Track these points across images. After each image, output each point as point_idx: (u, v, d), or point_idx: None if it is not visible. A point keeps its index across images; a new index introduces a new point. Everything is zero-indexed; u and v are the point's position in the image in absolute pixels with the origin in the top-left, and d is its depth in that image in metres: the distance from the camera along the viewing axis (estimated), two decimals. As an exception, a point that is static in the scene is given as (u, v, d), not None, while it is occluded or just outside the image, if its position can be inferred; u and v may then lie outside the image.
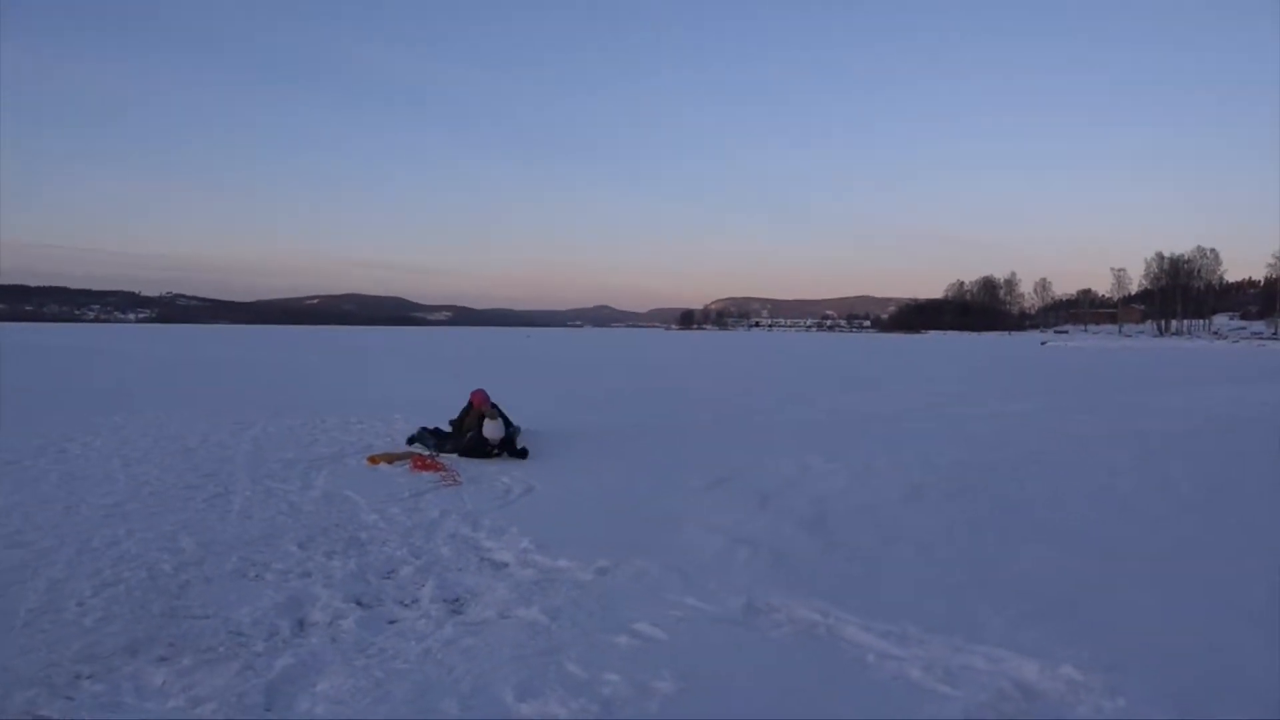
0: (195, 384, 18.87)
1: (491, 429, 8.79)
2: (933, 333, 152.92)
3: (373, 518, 6.23)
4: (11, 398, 14.61)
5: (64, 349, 38.54)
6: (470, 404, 9.39)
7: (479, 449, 8.81)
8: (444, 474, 7.87)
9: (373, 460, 8.53)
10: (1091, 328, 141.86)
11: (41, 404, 13.53)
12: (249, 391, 16.73)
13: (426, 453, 8.87)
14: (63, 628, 4.02)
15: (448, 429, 9.51)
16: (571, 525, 6.00)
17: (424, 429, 9.64)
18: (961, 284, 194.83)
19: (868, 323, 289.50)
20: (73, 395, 15.33)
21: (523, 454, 8.80)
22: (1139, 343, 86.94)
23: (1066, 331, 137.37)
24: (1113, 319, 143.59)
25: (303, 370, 25.10)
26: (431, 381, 20.30)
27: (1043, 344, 79.75)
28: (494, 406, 9.21)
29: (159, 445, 9.46)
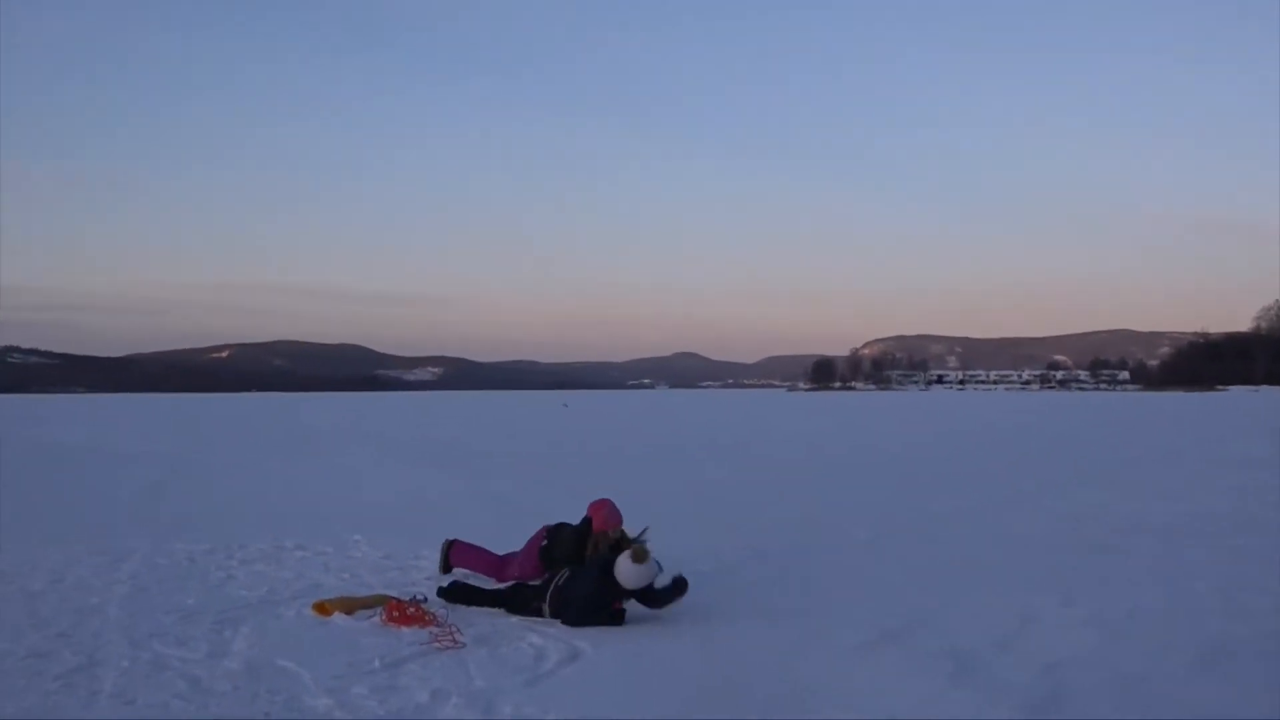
0: (37, 490, 19.32)
1: (636, 572, 8.09)
2: (1237, 388, 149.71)
3: (324, 703, 6.24)
4: None
5: None
6: (586, 522, 9.15)
7: (597, 604, 8.25)
8: (436, 630, 7.89)
9: (322, 609, 8.57)
10: None
11: None
12: (123, 500, 17.10)
13: (412, 598, 8.85)
14: None
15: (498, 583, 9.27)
16: (642, 711, 5.96)
17: (463, 585, 9.08)
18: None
19: (1124, 374, 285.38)
20: None
21: (680, 585, 8.27)
22: None
23: None
24: None
25: (208, 465, 25.53)
26: (414, 481, 20.52)
27: None
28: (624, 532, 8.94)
29: (-14, 589, 9.69)
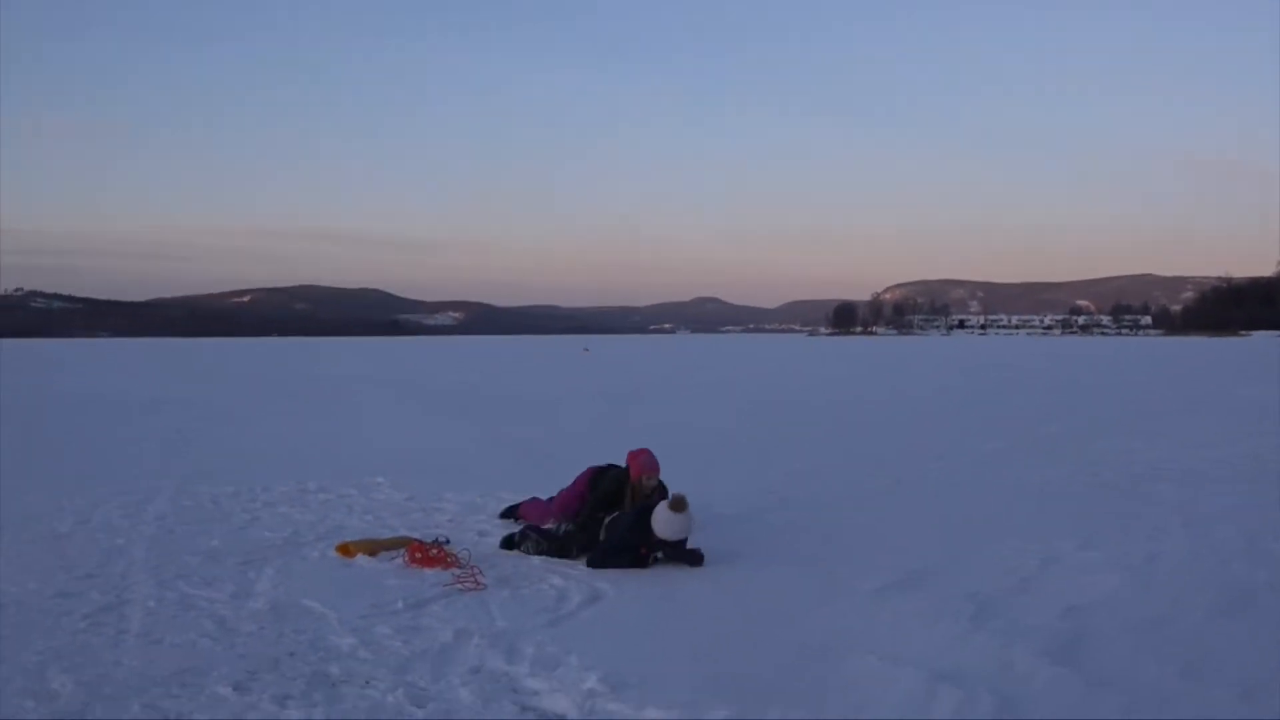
0: (62, 435, 19.43)
1: (671, 522, 8.17)
2: (1260, 333, 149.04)
3: (349, 642, 6.30)
4: None
5: None
6: (624, 472, 9.19)
7: (624, 546, 8.34)
8: (459, 571, 7.96)
9: (346, 550, 8.67)
10: None
11: None
12: (147, 445, 17.25)
13: (434, 540, 8.89)
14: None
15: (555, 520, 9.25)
16: (665, 653, 6.00)
17: (528, 527, 9.21)
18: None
19: (1146, 319, 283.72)
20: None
21: (696, 558, 8.35)
22: None
23: None
24: None
25: (231, 410, 25.63)
26: (436, 425, 20.54)
27: None
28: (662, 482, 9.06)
29: (9, 533, 9.73)
